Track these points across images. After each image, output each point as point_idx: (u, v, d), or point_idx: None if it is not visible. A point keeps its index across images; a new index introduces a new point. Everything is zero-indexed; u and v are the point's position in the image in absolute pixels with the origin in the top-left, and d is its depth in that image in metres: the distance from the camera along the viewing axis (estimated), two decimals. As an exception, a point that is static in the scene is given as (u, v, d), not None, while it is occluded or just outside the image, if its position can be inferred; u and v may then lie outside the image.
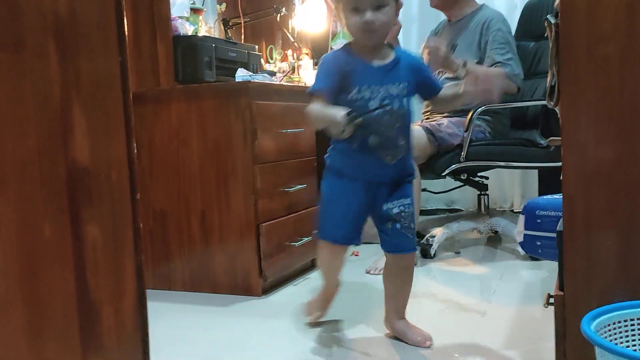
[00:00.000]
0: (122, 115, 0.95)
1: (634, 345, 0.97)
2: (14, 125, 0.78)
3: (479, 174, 2.83)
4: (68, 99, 0.85)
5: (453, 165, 2.46)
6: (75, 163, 0.86)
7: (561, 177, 1.13)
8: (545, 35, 1.22)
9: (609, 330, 0.97)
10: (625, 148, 1.07)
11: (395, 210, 1.59)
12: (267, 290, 2.17)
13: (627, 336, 0.97)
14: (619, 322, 0.96)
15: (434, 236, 2.59)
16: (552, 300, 1.19)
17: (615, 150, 1.08)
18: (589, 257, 1.13)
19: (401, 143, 1.56)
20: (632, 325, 0.96)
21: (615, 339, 0.96)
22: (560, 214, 1.17)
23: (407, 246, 1.62)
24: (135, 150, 0.98)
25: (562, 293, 1.16)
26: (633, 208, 1.08)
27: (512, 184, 3.49)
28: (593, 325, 0.92)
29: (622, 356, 0.82)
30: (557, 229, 1.18)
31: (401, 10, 3.07)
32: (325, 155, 1.66)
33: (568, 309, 1.14)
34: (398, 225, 1.59)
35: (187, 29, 2.25)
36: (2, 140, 0.76)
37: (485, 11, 2.65)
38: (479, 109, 2.46)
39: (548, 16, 1.19)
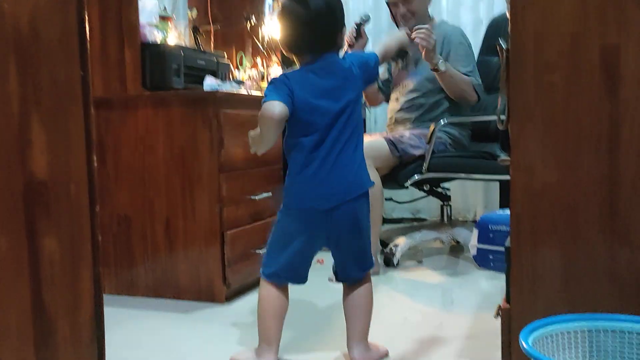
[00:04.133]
0: (82, 128, 0.97)
1: (572, 357, 1.02)
2: (-29, 140, 0.79)
3: (441, 185, 2.89)
4: (27, 114, 0.87)
5: (415, 176, 2.51)
6: (33, 177, 0.87)
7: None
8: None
9: (551, 343, 1.02)
10: (568, 171, 1.13)
11: None
12: (231, 297, 2.19)
13: (565, 349, 1.03)
14: (558, 334, 1.02)
15: (397, 245, 2.64)
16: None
17: (560, 173, 1.14)
18: (534, 272, 1.18)
19: None
20: (568, 338, 1.01)
21: (554, 351, 1.01)
22: (510, 229, 1.22)
23: None
24: (96, 163, 1.00)
25: (509, 306, 1.21)
26: (574, 228, 1.14)
27: (475, 195, 3.57)
28: (532, 337, 0.97)
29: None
30: (505, 244, 1.23)
31: (371, 23, 3.10)
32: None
33: (514, 321, 1.19)
34: None
35: (155, 36, 2.26)
36: (-41, 154, 0.77)
37: (443, 27, 2.73)
38: (442, 122, 2.53)
39: (500, 40, 1.25)
